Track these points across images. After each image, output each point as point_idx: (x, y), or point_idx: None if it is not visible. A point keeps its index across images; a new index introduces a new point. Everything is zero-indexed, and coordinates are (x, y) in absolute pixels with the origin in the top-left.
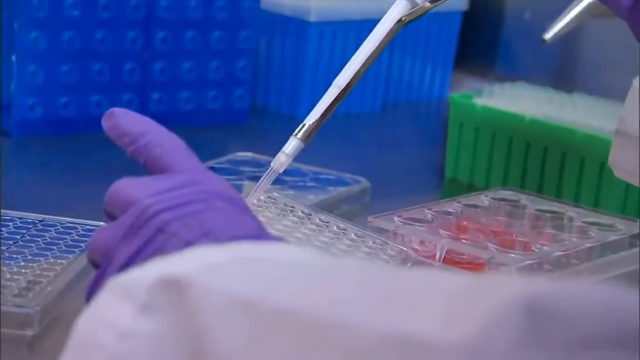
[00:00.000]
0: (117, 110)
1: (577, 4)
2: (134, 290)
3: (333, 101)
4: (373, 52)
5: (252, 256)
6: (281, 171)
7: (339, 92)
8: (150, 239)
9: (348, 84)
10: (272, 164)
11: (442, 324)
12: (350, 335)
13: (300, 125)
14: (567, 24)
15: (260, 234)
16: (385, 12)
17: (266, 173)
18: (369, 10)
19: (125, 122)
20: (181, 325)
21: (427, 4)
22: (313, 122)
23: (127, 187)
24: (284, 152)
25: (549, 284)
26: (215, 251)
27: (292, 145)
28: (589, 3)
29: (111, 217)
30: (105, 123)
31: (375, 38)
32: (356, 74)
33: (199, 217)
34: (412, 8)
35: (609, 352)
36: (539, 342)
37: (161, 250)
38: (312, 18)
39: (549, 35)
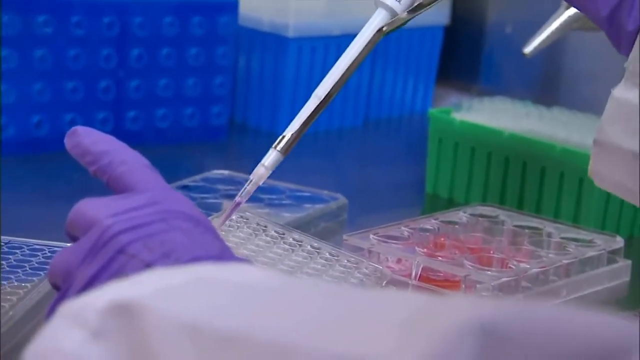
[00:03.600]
0: (79, 128)
1: (557, 18)
2: (85, 315)
3: (313, 112)
4: (353, 62)
5: (207, 278)
6: (260, 183)
7: (318, 102)
8: (110, 261)
9: (328, 94)
10: (251, 177)
11: (394, 348)
12: (299, 359)
13: (280, 137)
14: (547, 37)
15: (222, 254)
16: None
17: (245, 185)
18: (348, 26)
19: (87, 140)
20: (131, 351)
21: (406, 15)
22: (293, 134)
23: (88, 207)
24: (262, 164)
25: (502, 306)
26: (170, 274)
27: (271, 157)
28: (569, 17)
29: (73, 238)
30: (67, 142)
31: (356, 48)
32: (336, 84)
33: (160, 237)
34: (392, 18)
35: None
36: None
37: (121, 272)
38: (291, 34)
39: (528, 49)
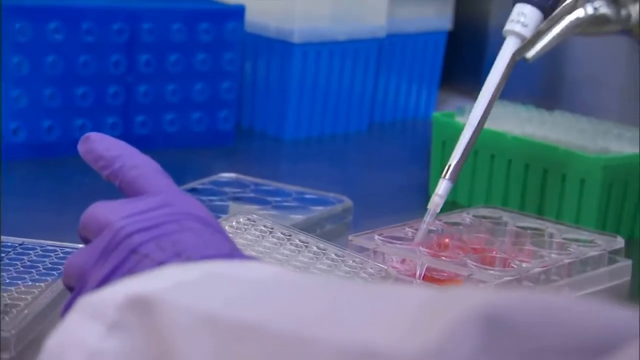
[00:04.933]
0: (92, 134)
1: (559, 23)
2: (103, 309)
3: (470, 139)
4: (495, 89)
5: (220, 273)
6: (437, 211)
7: (473, 130)
8: (123, 261)
9: (479, 122)
10: (428, 206)
11: (403, 336)
12: (312, 348)
13: (447, 166)
14: (549, 42)
15: (232, 253)
16: (369, 33)
17: (426, 215)
18: (353, 32)
19: (100, 146)
20: (149, 344)
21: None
22: (457, 162)
23: (100, 210)
24: (437, 194)
25: (508, 296)
26: (184, 269)
27: (442, 186)
28: (570, 22)
29: (86, 240)
30: (81, 147)
31: (496, 75)
32: (484, 111)
33: (172, 238)
34: (522, 42)
35: None
36: (498, 354)
37: (134, 272)
38: (296, 40)
39: (530, 54)
